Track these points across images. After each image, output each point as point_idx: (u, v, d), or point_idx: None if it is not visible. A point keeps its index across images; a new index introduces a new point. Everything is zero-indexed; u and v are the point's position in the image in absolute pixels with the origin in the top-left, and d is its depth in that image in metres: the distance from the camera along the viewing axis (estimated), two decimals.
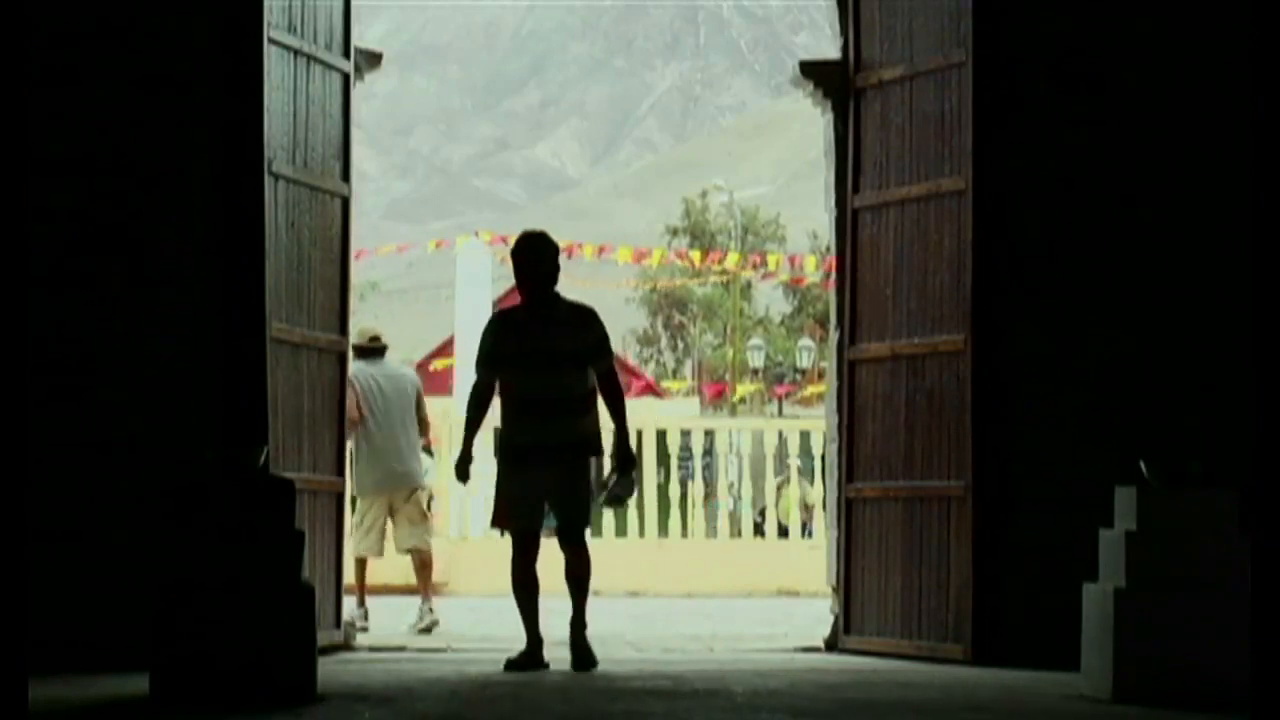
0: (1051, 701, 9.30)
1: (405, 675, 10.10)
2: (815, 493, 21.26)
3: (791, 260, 49.15)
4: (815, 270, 42.78)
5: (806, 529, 22.18)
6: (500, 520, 10.86)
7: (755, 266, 53.57)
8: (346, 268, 11.88)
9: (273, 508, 9.11)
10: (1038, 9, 11.43)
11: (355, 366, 13.07)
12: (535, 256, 10.74)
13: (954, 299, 11.44)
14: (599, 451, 10.82)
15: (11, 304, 6.79)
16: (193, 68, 11.03)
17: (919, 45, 11.72)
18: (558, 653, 12.33)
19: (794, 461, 22.04)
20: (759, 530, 23.25)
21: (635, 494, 11.44)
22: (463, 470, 10.90)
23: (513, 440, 10.73)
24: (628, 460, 10.91)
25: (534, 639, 10.82)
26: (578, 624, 10.80)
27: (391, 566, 17.59)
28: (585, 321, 10.68)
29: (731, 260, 52.66)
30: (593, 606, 17.30)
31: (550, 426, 10.58)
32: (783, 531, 23.19)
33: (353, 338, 12.60)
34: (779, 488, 24.04)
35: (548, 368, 10.55)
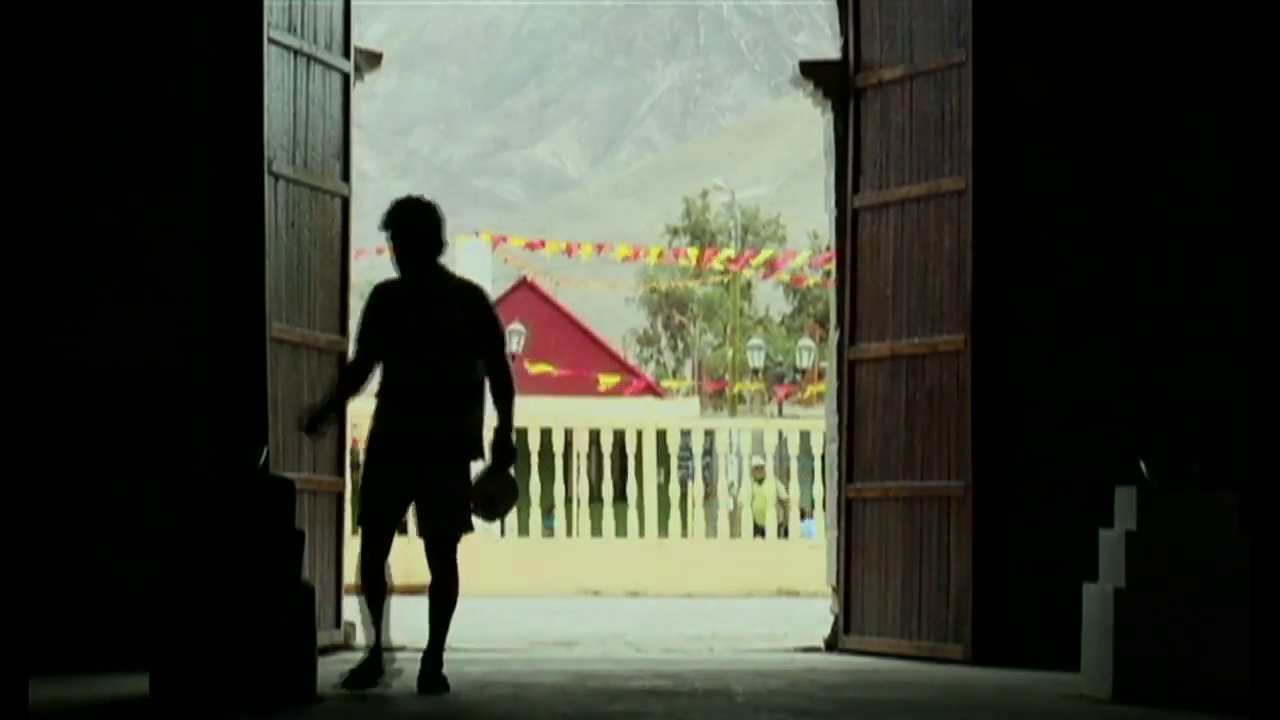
0: (1051, 701, 9.31)
1: (405, 675, 10.09)
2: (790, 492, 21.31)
3: (785, 257, 49.17)
4: (808, 264, 42.85)
5: (783, 529, 22.20)
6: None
7: (748, 263, 53.54)
8: (346, 268, 11.89)
9: (273, 508, 9.11)
10: (1038, 9, 11.43)
11: None
12: (415, 224, 9.41)
13: (954, 299, 11.44)
14: (480, 454, 9.43)
15: (12, 304, 6.79)
16: (193, 68, 11.03)
17: (919, 45, 11.72)
18: (559, 653, 12.33)
19: (759, 461, 21.99)
20: (759, 530, 23.26)
21: (517, 499, 9.73)
22: (310, 422, 9.63)
23: (381, 429, 9.38)
24: (504, 453, 9.35)
25: (378, 647, 9.48)
26: (432, 657, 9.46)
27: (391, 567, 17.60)
28: (474, 301, 9.44)
29: (723, 256, 52.58)
30: (593, 606, 17.25)
31: (425, 418, 9.26)
32: (758, 531, 23.20)
33: None
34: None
35: (427, 350, 9.28)
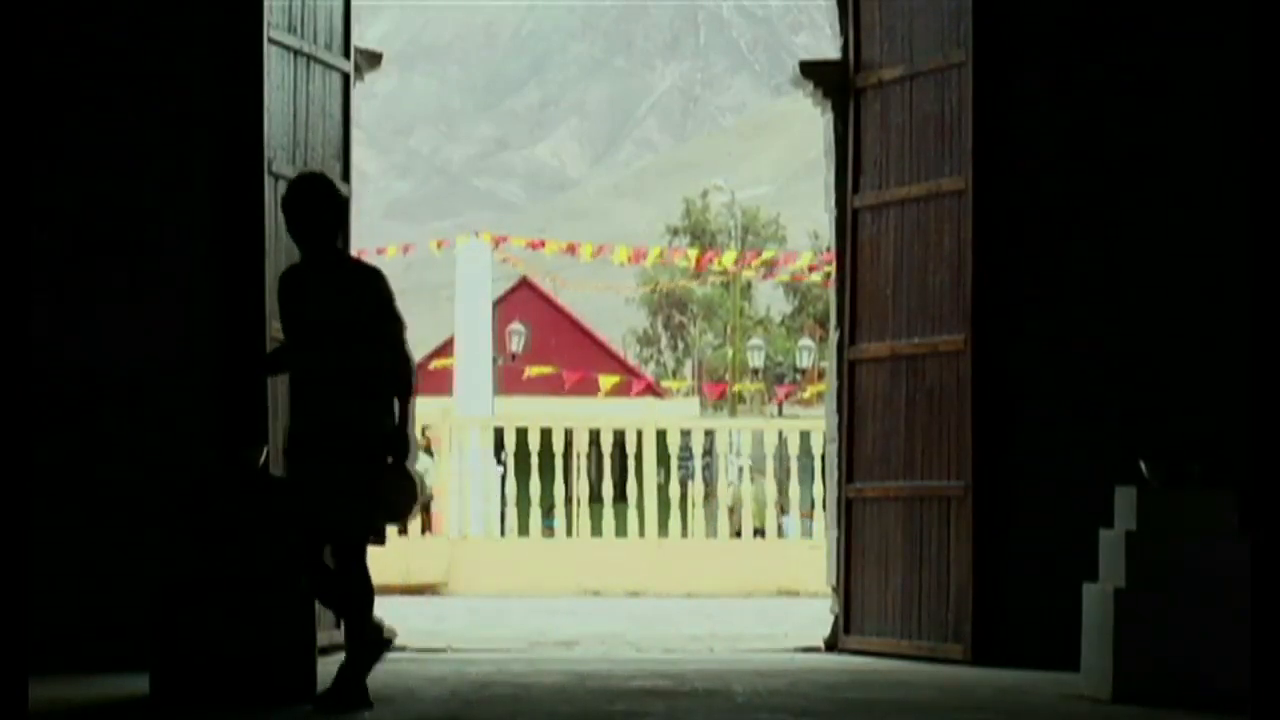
0: (1051, 701, 9.31)
1: (405, 675, 10.10)
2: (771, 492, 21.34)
3: (785, 259, 49.16)
4: (809, 262, 42.89)
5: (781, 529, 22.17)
6: None
7: (750, 264, 53.59)
8: None
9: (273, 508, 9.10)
10: (1038, 9, 11.44)
11: None
12: (308, 203, 8.79)
13: (954, 299, 11.45)
14: (387, 449, 8.70)
15: (13, 305, 6.79)
16: (193, 68, 11.03)
17: (919, 45, 11.73)
18: (559, 653, 12.33)
19: (743, 461, 22.00)
20: (759, 532, 23.24)
21: (417, 500, 8.84)
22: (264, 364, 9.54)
23: (289, 429, 8.88)
24: (399, 447, 8.64)
25: (370, 637, 8.70)
26: (351, 668, 8.62)
27: (390, 567, 17.62)
28: (364, 283, 8.75)
29: (728, 259, 52.68)
30: (593, 606, 17.23)
31: (322, 413, 8.65)
32: (759, 532, 23.18)
33: None
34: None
35: (318, 339, 8.70)
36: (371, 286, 8.74)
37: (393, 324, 8.74)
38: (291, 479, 8.79)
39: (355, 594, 8.63)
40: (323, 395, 8.67)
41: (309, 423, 8.69)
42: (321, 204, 8.80)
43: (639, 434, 20.45)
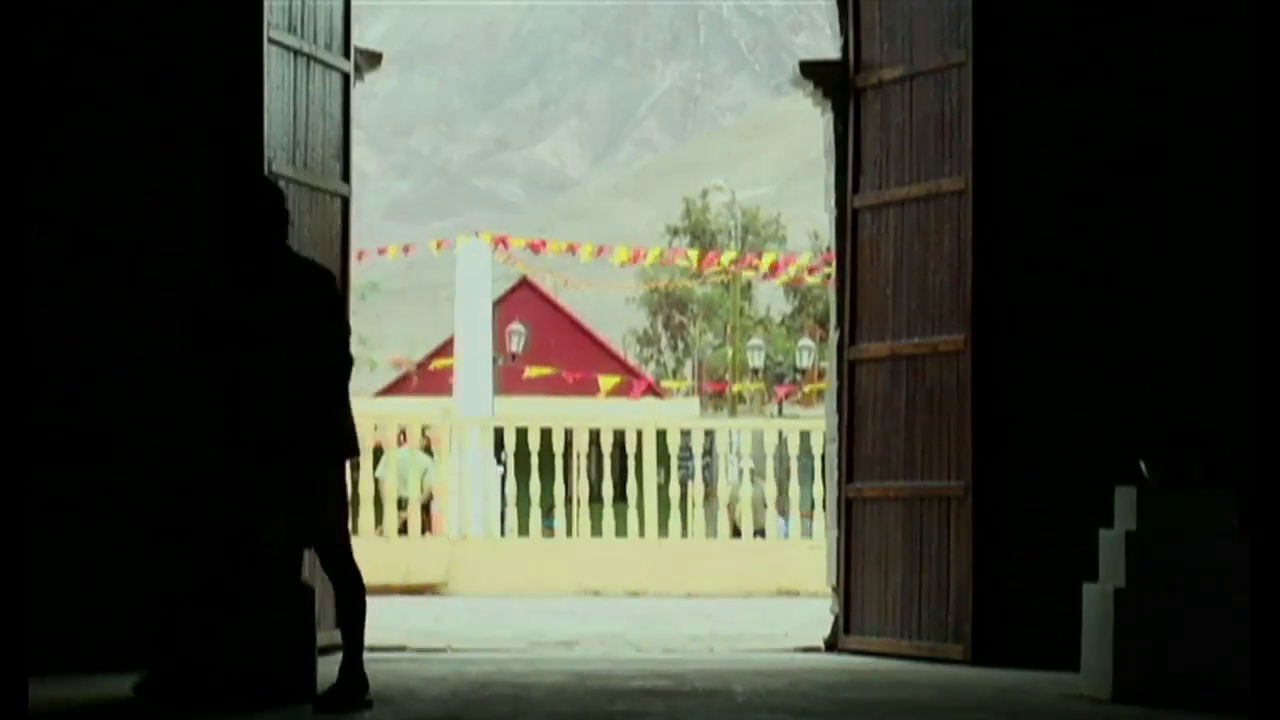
0: (1051, 701, 9.31)
1: (405, 675, 10.10)
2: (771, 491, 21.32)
3: (785, 260, 49.20)
4: (809, 263, 42.93)
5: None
6: None
7: (753, 266, 53.61)
8: (346, 268, 11.87)
9: None
10: (1037, 9, 11.44)
11: None
12: (248, 201, 8.73)
13: (954, 299, 11.45)
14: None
15: (13, 305, 6.79)
16: (193, 67, 11.03)
17: (919, 45, 11.73)
18: (559, 653, 12.33)
19: (746, 463, 22.02)
20: (759, 531, 23.25)
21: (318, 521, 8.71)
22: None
23: (240, 433, 8.68)
24: (297, 440, 8.54)
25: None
26: (348, 666, 8.65)
27: (390, 567, 17.63)
28: (310, 282, 8.63)
29: (727, 260, 52.70)
30: (593, 606, 17.24)
31: (273, 417, 8.54)
32: (759, 532, 23.18)
33: None
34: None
35: (261, 340, 8.54)
36: (314, 285, 8.63)
37: (331, 325, 8.60)
38: (241, 482, 8.63)
39: (348, 594, 8.65)
40: (268, 396, 8.53)
41: (255, 424, 8.56)
42: (268, 202, 8.72)
43: (639, 434, 20.45)
